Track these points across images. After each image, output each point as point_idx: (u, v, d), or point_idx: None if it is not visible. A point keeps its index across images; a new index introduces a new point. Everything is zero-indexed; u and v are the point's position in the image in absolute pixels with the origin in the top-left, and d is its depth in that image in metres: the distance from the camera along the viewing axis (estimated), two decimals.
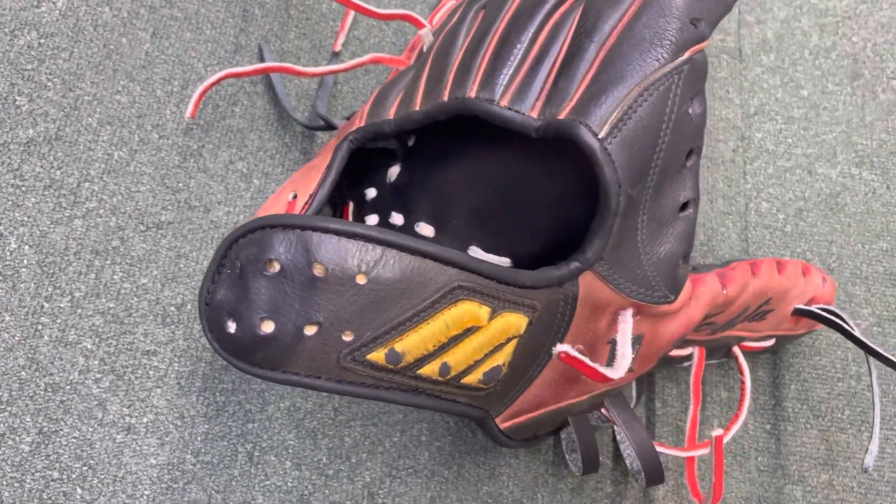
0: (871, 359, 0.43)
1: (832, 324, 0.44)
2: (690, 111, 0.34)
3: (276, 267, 0.29)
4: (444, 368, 0.32)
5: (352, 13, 0.53)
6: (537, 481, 0.45)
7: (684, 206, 0.36)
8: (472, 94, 0.35)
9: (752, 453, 0.48)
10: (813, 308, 0.44)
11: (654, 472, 0.40)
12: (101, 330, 0.44)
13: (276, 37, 0.52)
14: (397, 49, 0.53)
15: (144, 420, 0.43)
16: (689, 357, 0.44)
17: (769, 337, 0.46)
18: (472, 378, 0.33)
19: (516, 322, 0.32)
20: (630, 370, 0.39)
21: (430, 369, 0.31)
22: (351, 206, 0.45)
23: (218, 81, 0.46)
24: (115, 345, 0.43)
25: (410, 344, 0.30)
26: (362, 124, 0.40)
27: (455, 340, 0.31)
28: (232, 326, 0.30)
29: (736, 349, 0.45)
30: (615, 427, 0.41)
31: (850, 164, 0.56)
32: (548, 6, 0.37)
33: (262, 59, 0.50)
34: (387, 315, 0.30)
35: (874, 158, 0.56)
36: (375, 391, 0.31)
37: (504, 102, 0.35)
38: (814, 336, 0.51)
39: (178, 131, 0.48)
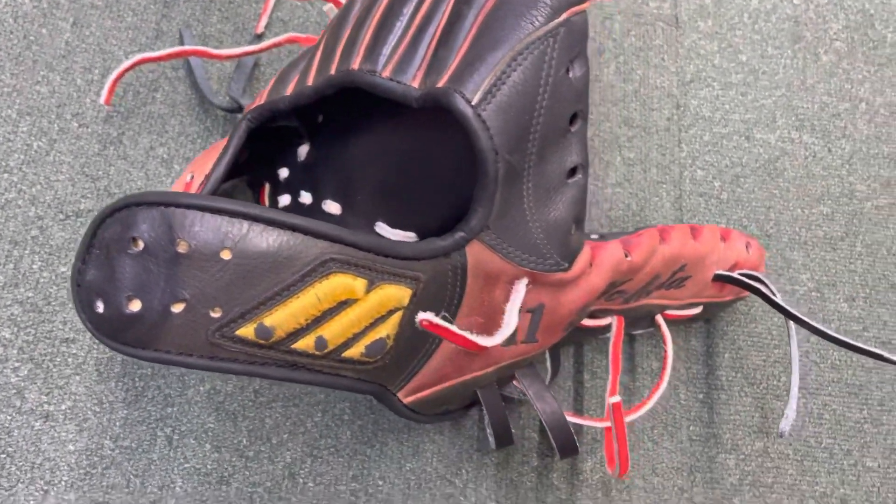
0: (791, 324, 0.42)
1: (752, 289, 0.43)
2: (570, 74, 0.34)
3: (140, 245, 0.29)
4: (321, 342, 0.31)
5: None
6: (461, 457, 0.45)
7: (572, 172, 0.35)
8: (356, 65, 0.35)
9: (683, 423, 0.48)
10: (733, 274, 0.43)
11: (566, 444, 0.40)
12: (19, 319, 0.44)
13: (199, 21, 0.51)
14: (322, 29, 0.53)
15: (63, 407, 0.43)
16: (608, 328, 0.43)
17: (694, 304, 0.46)
18: (354, 352, 0.32)
19: (397, 294, 0.32)
20: (534, 340, 0.39)
21: (305, 343, 0.31)
22: (267, 187, 0.45)
23: (132, 67, 0.46)
24: (34, 333, 0.44)
25: (280, 318, 0.30)
26: (262, 102, 0.40)
27: (330, 314, 0.31)
28: (101, 306, 0.30)
29: (659, 318, 0.45)
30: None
31: (790, 128, 0.55)
32: None
33: (182, 43, 0.50)
34: (255, 290, 0.30)
35: (815, 121, 0.55)
36: (249, 367, 0.31)
37: (386, 73, 0.34)
38: (749, 303, 0.50)
39: (97, 119, 0.48)
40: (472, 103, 0.32)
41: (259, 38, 0.52)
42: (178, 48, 0.46)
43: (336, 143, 0.42)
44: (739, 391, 0.49)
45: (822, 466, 0.48)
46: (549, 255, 0.35)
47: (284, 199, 0.43)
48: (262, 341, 0.30)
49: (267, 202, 0.44)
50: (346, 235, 0.31)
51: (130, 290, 0.29)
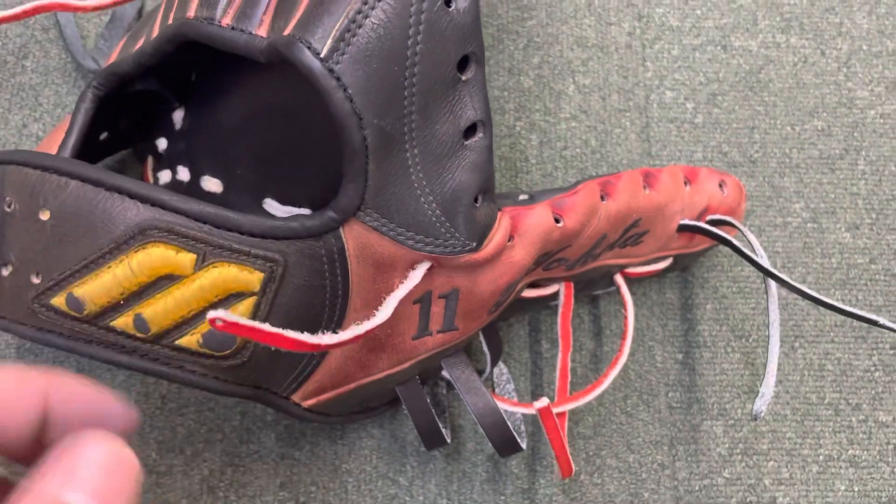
0: (771, 282, 0.35)
1: (723, 241, 0.36)
2: (451, 6, 0.27)
3: None
4: (141, 323, 0.27)
5: None
6: (405, 451, 0.39)
7: (471, 131, 0.28)
8: (192, 13, 0.28)
9: (661, 389, 0.41)
10: (699, 224, 0.37)
11: (503, 441, 0.34)
12: None
13: None
14: None
15: None
16: (556, 296, 0.37)
17: (660, 259, 0.39)
18: (189, 340, 0.27)
19: (238, 276, 0.27)
20: (454, 328, 0.32)
21: (124, 322, 0.27)
22: (150, 160, 0.38)
23: None
24: None
25: (91, 290, 0.26)
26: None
27: (149, 290, 0.26)
28: None
29: (618, 278, 0.38)
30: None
31: (775, 30, 0.47)
32: None
33: None
34: (70, 256, 0.26)
35: (804, 20, 0.47)
36: (73, 343, 0.28)
37: (226, 21, 0.28)
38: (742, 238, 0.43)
39: None
40: (321, 55, 0.25)
41: None
42: (35, 2, 0.39)
43: (209, 108, 0.35)
44: (725, 347, 0.42)
45: (825, 426, 0.42)
46: (449, 234, 0.29)
47: (164, 176, 0.37)
48: (75, 314, 0.27)
49: (151, 179, 0.38)
50: (170, 200, 0.26)
51: None
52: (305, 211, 0.35)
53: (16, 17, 0.39)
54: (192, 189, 0.36)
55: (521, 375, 0.41)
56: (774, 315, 0.34)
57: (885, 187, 0.45)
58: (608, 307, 0.42)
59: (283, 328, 0.27)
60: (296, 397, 0.32)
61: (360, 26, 0.25)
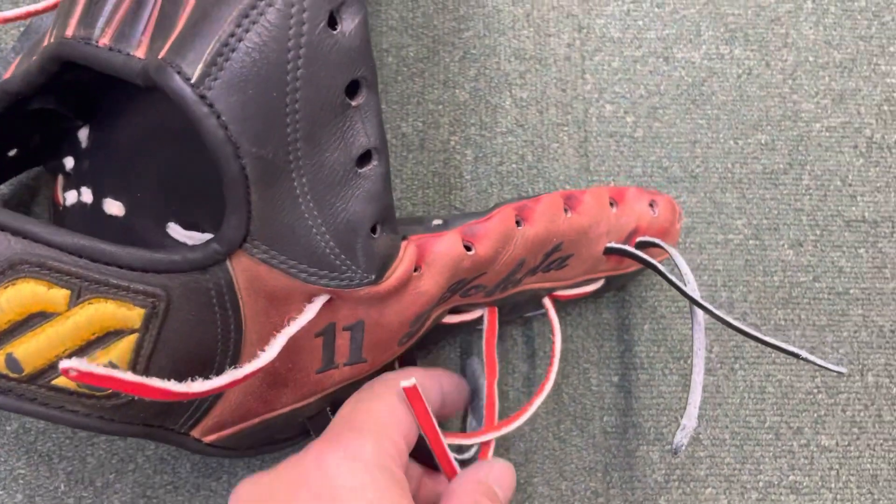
0: (697, 309, 0.34)
1: (649, 265, 0.35)
2: (336, 29, 0.25)
3: None
4: (12, 362, 0.25)
5: None
6: None
7: (364, 159, 0.27)
8: (70, 32, 0.27)
9: (595, 413, 0.40)
10: (624, 247, 0.35)
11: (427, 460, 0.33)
12: None
13: None
14: None
15: None
16: (481, 320, 0.36)
17: (591, 280, 0.37)
18: (66, 381, 0.26)
19: (116, 313, 0.25)
20: (362, 360, 0.31)
21: None
22: (60, 180, 0.37)
23: None
24: None
25: None
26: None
27: (21, 328, 0.25)
28: None
29: (546, 301, 0.37)
30: None
31: (719, 41, 0.46)
32: None
33: None
34: None
35: (749, 31, 0.46)
36: None
37: (105, 40, 0.26)
38: (673, 260, 0.42)
39: None
40: (192, 81, 0.23)
41: None
42: None
43: (111, 126, 0.34)
44: (663, 369, 0.41)
45: (766, 450, 0.41)
46: (346, 266, 0.27)
47: (70, 197, 0.35)
48: None
49: (61, 200, 0.36)
50: (41, 232, 0.24)
51: None
52: (209, 236, 0.33)
53: None
54: (94, 211, 0.34)
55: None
56: (699, 344, 0.33)
57: (829, 203, 0.44)
58: (542, 328, 0.41)
59: (170, 366, 0.26)
60: (195, 433, 0.30)
61: (233, 50, 0.24)
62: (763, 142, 0.44)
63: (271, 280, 0.27)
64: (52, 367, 0.26)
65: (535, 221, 0.32)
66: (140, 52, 0.25)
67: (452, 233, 0.30)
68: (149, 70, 0.24)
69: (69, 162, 0.36)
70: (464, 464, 0.34)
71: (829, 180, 0.44)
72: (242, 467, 0.38)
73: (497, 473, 0.32)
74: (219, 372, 0.27)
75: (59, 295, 0.25)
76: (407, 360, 0.35)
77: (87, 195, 0.34)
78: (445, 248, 0.30)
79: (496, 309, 0.35)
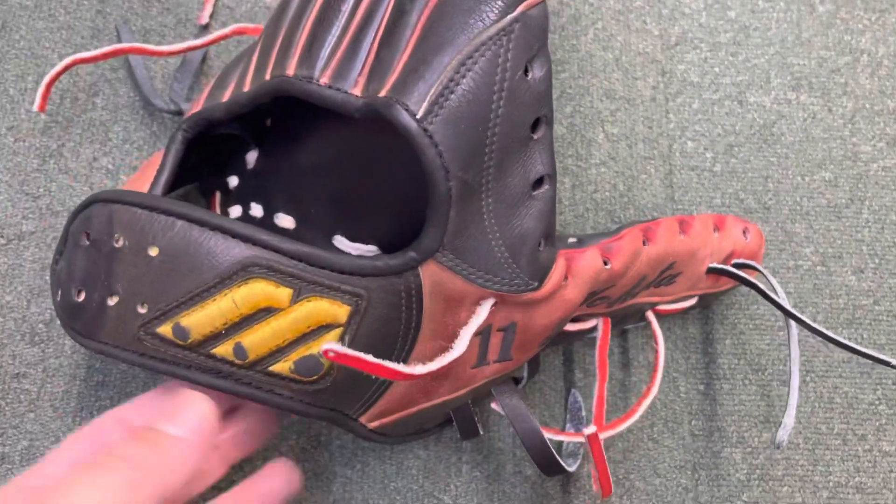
0: (792, 322, 0.39)
1: (748, 284, 0.40)
2: (529, 76, 0.30)
3: (89, 239, 0.31)
4: (240, 350, 0.30)
5: None
6: (449, 471, 0.42)
7: (538, 183, 0.32)
8: (291, 71, 0.31)
9: (684, 417, 0.45)
10: (727, 267, 0.40)
11: (547, 464, 0.37)
12: None
13: (138, 15, 0.47)
14: None
15: (19, 447, 0.40)
16: (594, 329, 0.40)
17: (688, 297, 0.42)
18: (282, 367, 0.30)
19: (329, 310, 0.30)
20: (509, 358, 0.35)
21: (224, 350, 0.30)
22: (218, 196, 0.41)
23: (65, 70, 0.42)
24: None
25: (196, 320, 0.29)
26: (199, 109, 0.36)
27: (249, 321, 0.30)
28: (59, 295, 0.32)
29: (649, 314, 0.42)
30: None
31: (786, 88, 0.51)
32: None
33: (120, 41, 0.46)
34: (177, 289, 0.29)
35: (812, 79, 0.51)
36: (174, 368, 0.30)
37: (324, 80, 0.31)
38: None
39: (35, 132, 0.45)
40: (417, 116, 0.28)
41: (205, 28, 0.48)
42: (114, 46, 0.42)
43: (285, 150, 0.38)
44: (743, 379, 0.46)
45: (834, 454, 0.45)
46: (515, 274, 0.32)
47: (235, 211, 0.40)
48: (179, 342, 0.30)
49: (219, 213, 0.41)
50: (270, 240, 0.29)
51: (79, 281, 0.31)
52: (372, 248, 0.38)
53: (95, 59, 0.42)
54: (265, 224, 0.39)
55: (555, 402, 0.44)
56: (795, 352, 0.38)
57: (886, 235, 0.49)
58: (636, 340, 0.45)
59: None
60: (363, 419, 0.34)
61: (452, 92, 0.28)
62: (827, 179, 0.49)
63: (451, 284, 0.31)
64: (270, 355, 0.30)
65: (657, 241, 0.37)
66: (357, 91, 0.30)
67: (592, 249, 0.35)
68: (377, 106, 0.29)
69: (233, 180, 0.40)
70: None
71: (885, 214, 0.49)
72: (374, 457, 0.42)
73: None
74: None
75: (284, 293, 0.29)
76: (533, 359, 0.39)
77: (256, 210, 0.39)
78: (588, 262, 0.34)
79: (609, 319, 0.40)
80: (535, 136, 0.31)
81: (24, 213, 0.43)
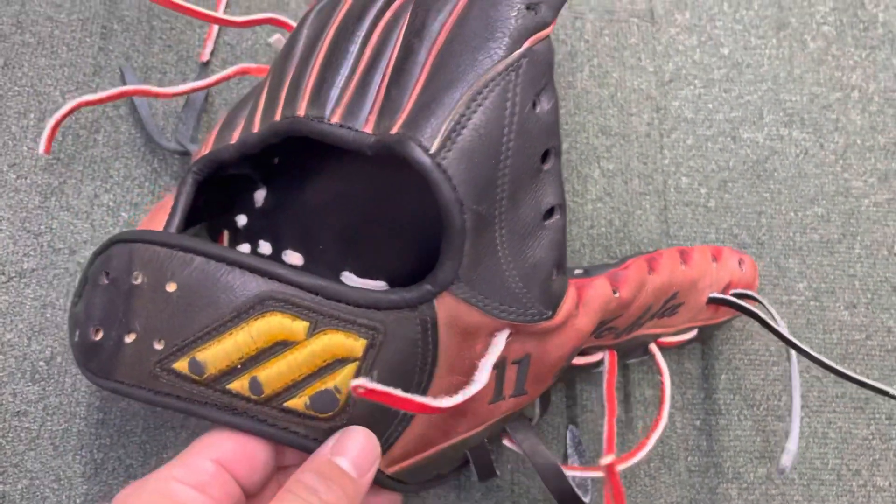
0: (793, 351, 0.39)
1: (748, 312, 0.40)
2: (537, 109, 0.31)
3: (108, 278, 0.31)
4: (255, 385, 0.30)
5: None
6: None
7: (549, 213, 0.32)
8: (302, 112, 0.32)
9: (680, 453, 0.45)
10: (727, 297, 0.41)
11: (567, 498, 0.37)
12: None
13: (139, 52, 0.48)
14: (275, 53, 0.49)
15: (19, 486, 0.40)
16: (600, 363, 0.40)
17: (688, 329, 0.43)
18: (297, 402, 0.30)
19: (344, 343, 0.30)
20: (524, 392, 0.36)
21: (240, 385, 0.30)
22: (226, 235, 0.41)
23: (70, 112, 0.42)
24: None
25: (213, 354, 0.29)
26: (208, 151, 0.36)
27: (265, 355, 0.30)
28: (77, 335, 0.32)
29: (653, 347, 0.42)
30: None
31: (779, 124, 0.52)
32: (378, 4, 0.33)
33: (123, 81, 0.47)
34: (194, 323, 0.30)
35: (805, 115, 0.52)
36: (188, 405, 0.30)
37: (335, 119, 0.31)
38: (744, 318, 0.47)
39: (36, 169, 0.45)
40: (431, 152, 0.29)
41: (206, 65, 0.48)
42: (119, 88, 0.43)
43: (293, 188, 0.39)
44: (738, 414, 0.46)
45: (829, 489, 0.46)
46: (530, 304, 0.32)
47: (243, 249, 0.40)
48: (195, 377, 0.30)
49: None
50: (287, 273, 0.29)
51: (97, 320, 0.31)
52: (381, 283, 0.38)
53: (99, 101, 0.42)
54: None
55: (553, 439, 0.44)
56: (796, 380, 0.38)
57: (878, 270, 0.49)
58: (633, 375, 0.46)
59: None
60: (382, 464, 0.34)
61: (463, 127, 0.29)
62: (819, 214, 0.50)
63: (466, 316, 0.31)
64: (286, 390, 0.30)
65: (660, 271, 0.37)
66: (367, 128, 0.31)
67: (601, 278, 0.35)
68: (390, 143, 0.29)
69: (241, 219, 0.40)
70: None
71: (877, 249, 0.50)
72: None
73: (343, 444, 0.31)
74: None
75: (300, 326, 0.29)
76: (545, 395, 0.40)
77: (265, 248, 0.39)
78: (599, 291, 0.35)
79: (615, 353, 0.40)
80: (545, 168, 0.31)
81: (25, 251, 0.43)
